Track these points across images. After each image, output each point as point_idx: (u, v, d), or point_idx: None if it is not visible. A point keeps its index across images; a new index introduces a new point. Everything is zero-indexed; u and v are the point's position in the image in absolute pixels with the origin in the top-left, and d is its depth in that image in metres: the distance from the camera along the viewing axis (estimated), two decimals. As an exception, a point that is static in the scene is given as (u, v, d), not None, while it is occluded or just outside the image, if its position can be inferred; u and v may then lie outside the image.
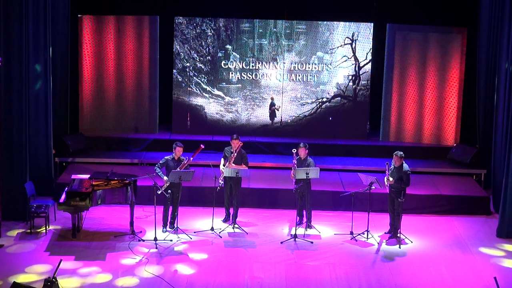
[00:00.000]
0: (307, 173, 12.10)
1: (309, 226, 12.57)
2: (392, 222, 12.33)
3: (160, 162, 12.23)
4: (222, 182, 12.53)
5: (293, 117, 16.22)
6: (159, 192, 11.94)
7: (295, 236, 12.09)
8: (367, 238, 12.22)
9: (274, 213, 13.45)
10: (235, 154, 12.45)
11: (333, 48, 15.98)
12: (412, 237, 12.30)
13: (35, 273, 10.58)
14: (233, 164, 12.45)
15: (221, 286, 10.49)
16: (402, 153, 12.08)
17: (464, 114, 15.82)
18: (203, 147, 12.42)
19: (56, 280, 9.09)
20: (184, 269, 10.94)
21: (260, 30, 15.93)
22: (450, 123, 15.86)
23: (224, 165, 12.56)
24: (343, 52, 15.98)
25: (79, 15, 15.63)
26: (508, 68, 12.86)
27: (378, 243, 12.11)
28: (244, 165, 12.56)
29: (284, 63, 16.01)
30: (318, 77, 16.10)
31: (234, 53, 16.00)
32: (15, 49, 12.43)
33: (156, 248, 11.64)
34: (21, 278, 10.29)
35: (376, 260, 11.54)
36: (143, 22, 15.88)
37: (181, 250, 11.64)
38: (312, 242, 12.05)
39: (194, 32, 15.87)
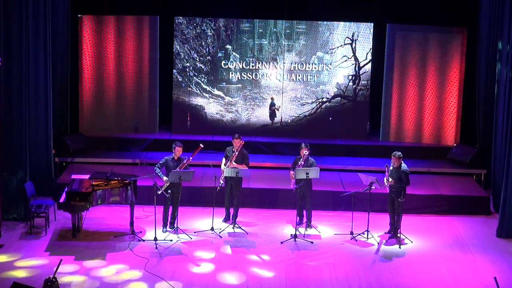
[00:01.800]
0: (307, 173, 12.11)
1: (309, 226, 12.57)
2: (392, 222, 12.34)
3: (160, 162, 12.22)
4: (223, 182, 12.54)
5: (293, 117, 16.23)
6: (159, 192, 11.95)
7: (295, 236, 12.09)
8: (367, 238, 12.22)
9: (274, 213, 13.45)
10: (237, 153, 12.46)
11: (333, 48, 15.98)
12: (412, 237, 12.30)
13: (35, 273, 10.58)
14: (234, 163, 12.45)
15: (221, 286, 10.49)
16: (400, 153, 12.08)
17: (464, 114, 15.82)
18: (202, 146, 12.41)
19: (56, 280, 9.08)
20: (184, 269, 10.94)
21: (260, 30, 15.93)
22: (450, 123, 15.86)
23: (225, 165, 12.56)
24: (343, 52, 15.99)
25: (79, 15, 15.63)
26: (508, 68, 12.86)
27: (378, 243, 12.12)
28: (244, 165, 12.56)
29: (284, 63, 16.01)
30: (318, 77, 16.10)
31: (234, 53, 16.00)
32: (15, 49, 12.44)
33: (156, 248, 11.65)
34: (21, 278, 10.29)
35: (376, 260, 11.54)
36: (143, 22, 15.88)
37: (181, 250, 11.65)
38: (312, 242, 12.05)
39: (194, 32, 15.87)
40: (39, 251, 11.39)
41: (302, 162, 12.31)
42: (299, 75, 16.10)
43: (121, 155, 15.35)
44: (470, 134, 15.67)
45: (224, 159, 12.74)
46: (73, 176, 12.57)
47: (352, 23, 15.90)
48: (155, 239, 11.78)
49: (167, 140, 15.44)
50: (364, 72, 16.05)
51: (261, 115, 16.23)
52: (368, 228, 12.23)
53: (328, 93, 16.16)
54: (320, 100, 16.18)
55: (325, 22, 15.92)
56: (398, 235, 12.11)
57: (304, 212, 12.65)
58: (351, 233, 12.35)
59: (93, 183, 12.04)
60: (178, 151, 12.26)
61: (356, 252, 11.80)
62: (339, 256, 11.62)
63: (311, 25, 15.92)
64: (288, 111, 16.20)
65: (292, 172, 12.43)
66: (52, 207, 12.56)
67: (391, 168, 12.11)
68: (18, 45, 12.44)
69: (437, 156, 15.66)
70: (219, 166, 12.72)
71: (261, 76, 16.11)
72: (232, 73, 16.08)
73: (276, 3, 15.75)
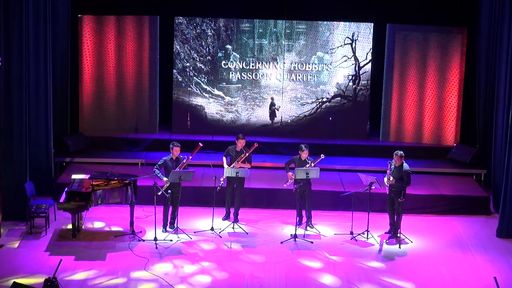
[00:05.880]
0: (307, 173, 12.11)
1: (309, 225, 12.56)
2: (392, 222, 12.33)
3: (158, 163, 12.21)
4: (223, 181, 12.55)
5: (293, 117, 16.22)
6: (159, 193, 11.95)
7: (295, 236, 12.09)
8: (367, 238, 12.22)
9: (274, 213, 13.45)
10: (247, 154, 12.47)
11: (333, 48, 15.98)
12: (412, 237, 12.30)
13: (35, 273, 10.57)
14: (241, 163, 12.47)
15: (221, 286, 10.49)
16: (402, 152, 12.08)
17: (464, 114, 15.82)
18: (201, 145, 12.42)
19: (56, 280, 9.08)
20: (184, 269, 10.94)
21: (260, 30, 15.93)
22: (450, 123, 15.86)
23: (228, 164, 12.56)
24: (343, 52, 15.99)
25: (79, 15, 15.63)
26: (508, 68, 12.87)
27: (378, 243, 12.11)
28: (248, 164, 12.59)
29: (284, 63, 16.01)
30: (318, 77, 16.10)
31: (234, 53, 16.00)
32: (15, 49, 12.43)
33: (156, 248, 11.65)
34: (21, 278, 10.29)
35: (376, 260, 11.53)
36: (143, 22, 15.88)
37: (181, 250, 11.64)
38: (312, 242, 12.05)
39: (194, 32, 15.87)
40: (39, 251, 11.40)
41: (313, 164, 12.32)
42: (299, 75, 16.10)
43: (121, 155, 15.35)
44: (470, 134, 15.67)
45: (224, 158, 12.73)
46: (73, 176, 12.56)
47: (352, 23, 15.90)
48: (155, 239, 11.78)
49: (167, 140, 15.37)
50: (364, 72, 16.06)
51: (261, 115, 16.23)
52: (368, 228, 12.23)
53: (328, 93, 16.16)
54: (320, 100, 16.18)
55: (325, 22, 15.92)
56: (398, 235, 12.11)
57: (304, 212, 12.65)
58: (351, 233, 12.35)
59: (93, 183, 12.03)
60: (176, 151, 12.26)
61: (356, 252, 11.80)
62: (339, 256, 11.61)
63: (311, 25, 15.92)
64: (288, 111, 16.20)
65: (290, 173, 12.44)
66: (52, 207, 12.56)
67: (392, 167, 12.09)
68: (18, 45, 12.43)
69: (437, 156, 15.66)
70: (221, 166, 12.72)
71: (261, 76, 16.11)
72: (232, 73, 16.08)
73: (276, 3, 15.73)
